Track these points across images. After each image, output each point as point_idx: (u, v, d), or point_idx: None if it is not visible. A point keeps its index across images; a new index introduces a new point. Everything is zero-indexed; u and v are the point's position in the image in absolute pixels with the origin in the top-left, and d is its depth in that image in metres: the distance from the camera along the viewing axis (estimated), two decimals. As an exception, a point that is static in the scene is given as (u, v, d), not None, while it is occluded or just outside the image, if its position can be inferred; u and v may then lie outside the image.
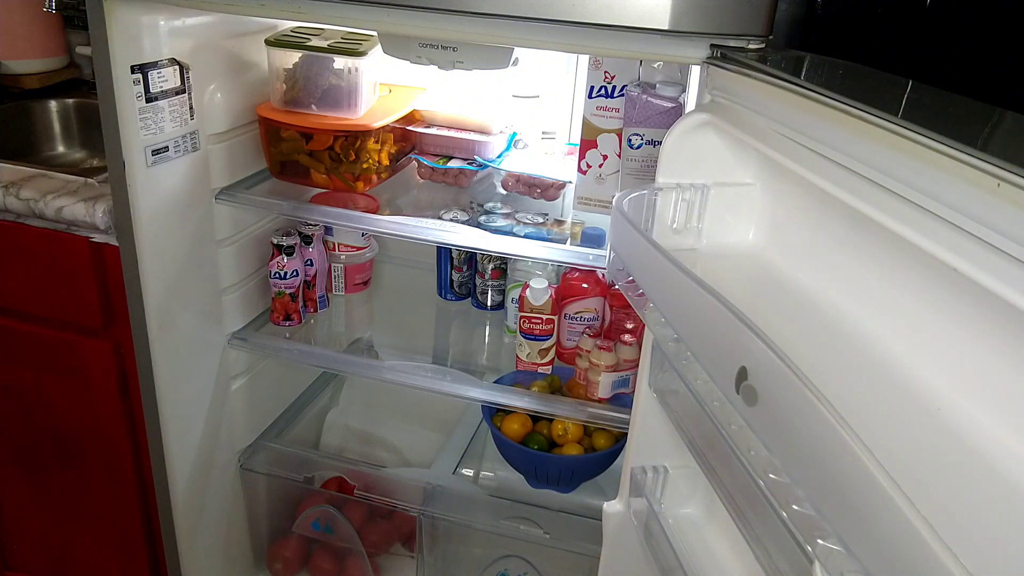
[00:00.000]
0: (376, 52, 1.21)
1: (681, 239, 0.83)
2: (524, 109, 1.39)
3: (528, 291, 1.30)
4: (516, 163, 1.33)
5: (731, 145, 0.80)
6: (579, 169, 1.22)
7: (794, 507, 0.50)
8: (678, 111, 1.10)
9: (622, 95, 1.14)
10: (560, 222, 1.24)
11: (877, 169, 0.54)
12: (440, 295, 1.58)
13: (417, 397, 1.41)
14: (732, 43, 0.80)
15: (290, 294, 1.36)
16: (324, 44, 1.23)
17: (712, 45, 0.82)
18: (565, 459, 1.28)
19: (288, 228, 1.36)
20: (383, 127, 1.27)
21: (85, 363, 1.30)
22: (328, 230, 1.46)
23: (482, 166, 1.34)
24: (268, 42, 1.24)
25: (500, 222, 1.22)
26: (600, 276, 1.31)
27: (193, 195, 1.20)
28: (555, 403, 1.24)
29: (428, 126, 1.37)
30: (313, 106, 1.25)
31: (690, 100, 1.12)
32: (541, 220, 1.23)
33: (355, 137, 1.24)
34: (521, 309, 1.31)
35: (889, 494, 0.39)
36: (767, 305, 0.74)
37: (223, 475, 1.42)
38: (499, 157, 1.35)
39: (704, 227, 0.83)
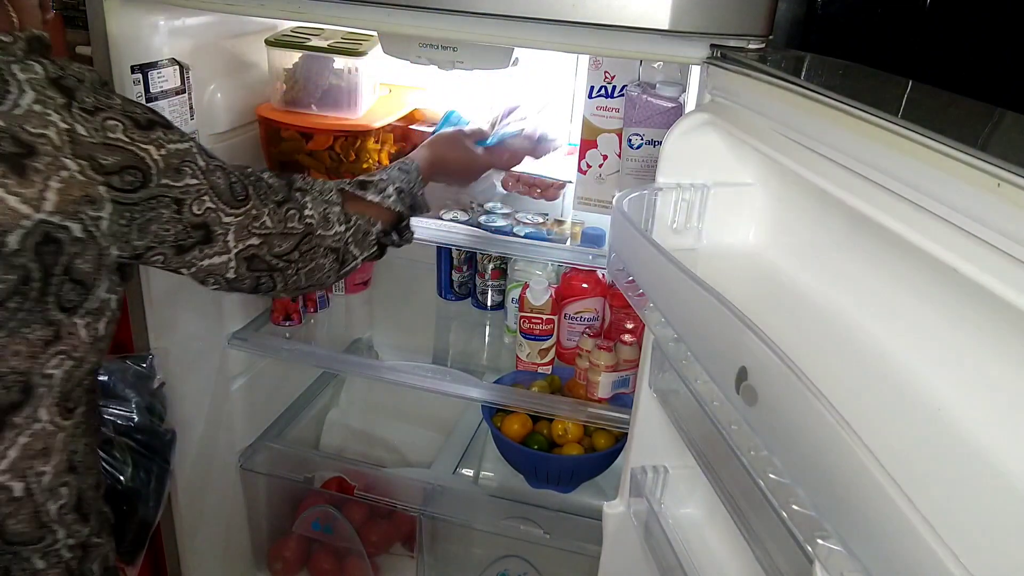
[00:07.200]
0: (376, 52, 1.21)
1: (681, 239, 0.83)
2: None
3: (528, 291, 1.30)
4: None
5: (731, 145, 0.80)
6: (579, 169, 1.22)
7: (794, 507, 0.50)
8: (678, 111, 1.10)
9: (622, 95, 1.14)
10: (560, 222, 1.24)
11: (877, 169, 0.54)
12: (440, 295, 1.58)
13: (417, 397, 1.41)
14: (732, 43, 0.80)
15: (290, 294, 1.36)
16: (324, 44, 1.23)
17: (712, 45, 0.82)
18: (565, 459, 1.28)
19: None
20: (383, 127, 1.27)
21: (85, 363, 1.29)
22: (328, 230, 1.46)
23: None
24: (268, 42, 1.24)
25: (500, 222, 1.22)
26: (600, 276, 1.31)
27: (193, 195, 1.20)
28: (555, 403, 1.24)
29: (429, 125, 1.37)
30: (313, 106, 1.25)
31: (690, 100, 1.12)
32: (541, 220, 1.23)
33: (355, 137, 1.24)
34: (521, 309, 1.31)
35: (889, 494, 0.39)
36: (767, 305, 0.74)
37: (223, 475, 1.42)
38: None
39: (704, 227, 0.83)
